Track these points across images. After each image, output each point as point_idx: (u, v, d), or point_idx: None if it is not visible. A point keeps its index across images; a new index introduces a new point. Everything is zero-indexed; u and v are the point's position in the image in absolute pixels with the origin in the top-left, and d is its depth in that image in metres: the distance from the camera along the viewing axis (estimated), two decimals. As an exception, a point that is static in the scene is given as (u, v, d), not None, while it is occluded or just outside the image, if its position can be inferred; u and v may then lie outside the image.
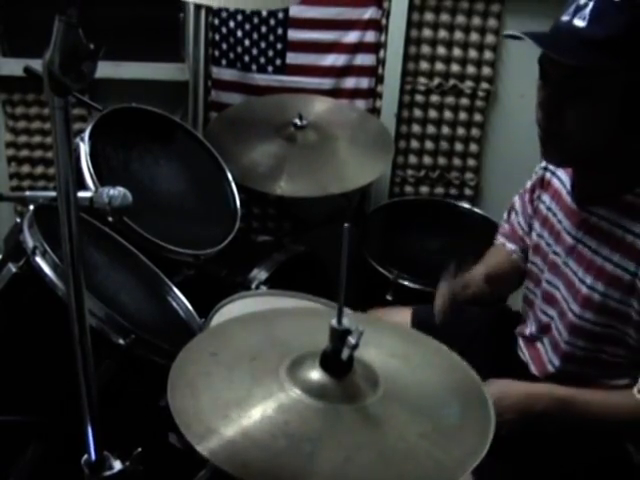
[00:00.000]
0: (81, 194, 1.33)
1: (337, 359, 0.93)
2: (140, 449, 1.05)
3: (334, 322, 0.92)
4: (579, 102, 1.18)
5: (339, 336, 0.92)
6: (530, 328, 1.48)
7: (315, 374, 0.94)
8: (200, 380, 0.98)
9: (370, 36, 2.43)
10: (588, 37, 1.14)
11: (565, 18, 1.19)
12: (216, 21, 2.40)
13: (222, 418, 0.89)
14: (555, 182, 1.43)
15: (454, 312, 1.53)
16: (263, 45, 2.43)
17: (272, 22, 2.40)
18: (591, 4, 1.15)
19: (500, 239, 1.67)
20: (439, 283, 1.58)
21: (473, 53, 2.46)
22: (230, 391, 0.95)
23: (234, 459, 0.84)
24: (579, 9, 1.16)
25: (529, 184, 1.56)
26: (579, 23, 1.15)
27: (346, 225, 0.89)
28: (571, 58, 1.14)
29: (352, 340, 0.91)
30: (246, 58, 2.45)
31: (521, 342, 1.52)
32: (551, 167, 1.45)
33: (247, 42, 2.43)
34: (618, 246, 1.24)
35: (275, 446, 0.86)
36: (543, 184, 1.48)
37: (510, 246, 1.62)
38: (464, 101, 2.53)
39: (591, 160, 1.26)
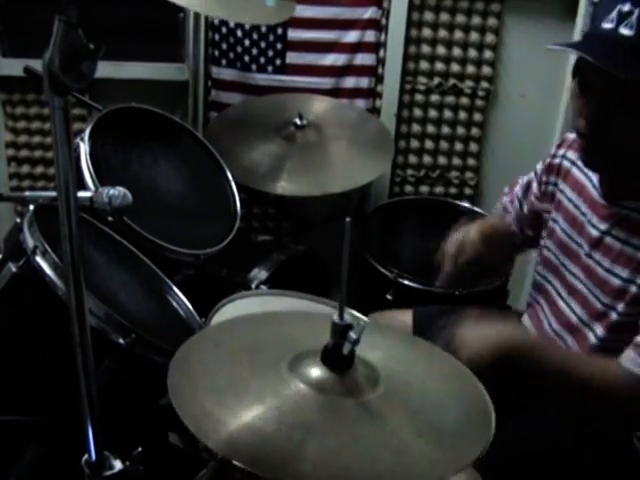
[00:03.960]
0: (81, 194, 1.32)
1: (338, 354, 0.94)
2: (140, 449, 1.05)
3: (336, 317, 0.93)
4: (627, 113, 1.17)
5: (341, 331, 0.93)
6: (548, 320, 1.46)
7: (316, 368, 0.95)
8: (200, 367, 0.99)
9: (370, 36, 2.43)
10: (638, 46, 1.13)
11: (607, 26, 1.16)
12: (216, 21, 2.41)
13: (217, 402, 0.91)
14: (576, 173, 1.42)
15: (457, 276, 1.54)
16: (263, 45, 2.43)
17: (272, 22, 2.40)
18: (637, 11, 1.12)
19: (499, 210, 1.66)
20: (440, 250, 1.59)
21: (473, 53, 2.46)
22: (229, 377, 0.97)
23: (223, 440, 0.85)
24: (624, 17, 1.14)
25: (539, 167, 1.53)
26: (626, 32, 1.13)
27: (348, 219, 0.90)
28: (625, 71, 1.12)
29: (353, 335, 0.92)
30: (246, 58, 2.45)
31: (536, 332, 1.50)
32: (570, 156, 1.44)
33: (247, 42, 2.43)
34: None
35: (266, 431, 0.86)
36: (560, 172, 1.46)
37: (509, 219, 1.62)
38: (464, 100, 2.53)
39: (633, 165, 1.26)
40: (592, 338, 1.33)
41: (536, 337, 1.39)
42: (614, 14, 1.15)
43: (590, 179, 1.38)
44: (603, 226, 1.32)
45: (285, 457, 0.84)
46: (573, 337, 1.39)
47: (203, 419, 0.88)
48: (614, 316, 1.29)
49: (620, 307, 1.28)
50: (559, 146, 1.48)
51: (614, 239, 1.30)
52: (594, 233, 1.34)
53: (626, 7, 1.14)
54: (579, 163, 1.41)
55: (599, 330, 1.32)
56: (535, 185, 1.54)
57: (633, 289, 1.25)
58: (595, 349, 1.33)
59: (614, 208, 1.31)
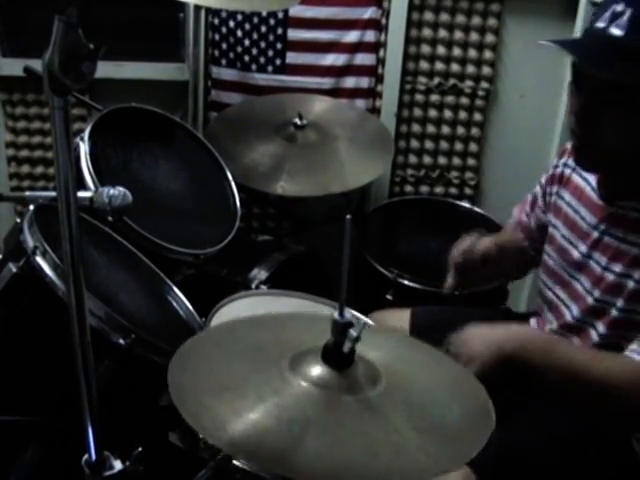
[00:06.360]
0: (81, 194, 1.32)
1: (338, 352, 0.94)
2: (140, 449, 1.05)
3: (336, 315, 0.93)
4: (616, 113, 1.17)
5: (341, 329, 0.93)
6: (551, 325, 1.46)
7: (316, 366, 0.95)
8: (202, 362, 1.00)
9: (370, 36, 2.43)
10: (626, 47, 1.12)
11: (600, 25, 1.15)
12: (216, 21, 2.40)
13: (216, 396, 0.91)
14: (576, 178, 1.42)
15: (464, 277, 1.56)
16: (263, 45, 2.43)
17: (272, 22, 2.40)
18: (629, 12, 1.11)
19: (511, 226, 1.67)
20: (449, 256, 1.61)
21: (473, 53, 2.46)
22: (229, 374, 0.97)
23: (224, 437, 0.85)
24: (616, 17, 1.13)
25: (544, 179, 1.54)
26: (616, 32, 1.12)
27: (348, 216, 0.90)
28: (609, 71, 1.12)
29: (354, 333, 0.92)
30: (246, 58, 2.45)
31: None
32: (570, 163, 1.45)
33: (247, 42, 2.43)
34: None
35: (266, 426, 0.87)
36: (562, 180, 1.47)
37: (521, 235, 1.63)
38: (464, 100, 2.53)
39: (623, 165, 1.26)
40: (594, 336, 1.33)
41: (540, 334, 1.37)
42: (608, 13, 1.15)
43: (589, 183, 1.38)
44: (601, 226, 1.32)
45: (284, 451, 0.84)
46: (576, 337, 1.38)
47: (204, 416, 0.88)
48: (613, 312, 1.29)
49: (619, 303, 1.27)
50: (560, 156, 1.49)
51: (611, 238, 1.30)
52: (593, 234, 1.34)
53: (619, 7, 1.13)
54: (579, 168, 1.41)
55: (600, 327, 1.31)
56: (540, 198, 1.55)
57: (630, 284, 1.25)
58: (597, 347, 1.32)
59: (611, 208, 1.31)
